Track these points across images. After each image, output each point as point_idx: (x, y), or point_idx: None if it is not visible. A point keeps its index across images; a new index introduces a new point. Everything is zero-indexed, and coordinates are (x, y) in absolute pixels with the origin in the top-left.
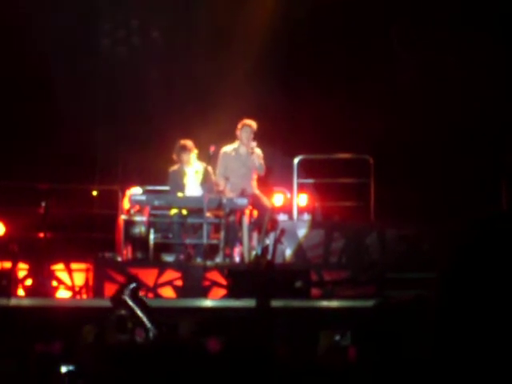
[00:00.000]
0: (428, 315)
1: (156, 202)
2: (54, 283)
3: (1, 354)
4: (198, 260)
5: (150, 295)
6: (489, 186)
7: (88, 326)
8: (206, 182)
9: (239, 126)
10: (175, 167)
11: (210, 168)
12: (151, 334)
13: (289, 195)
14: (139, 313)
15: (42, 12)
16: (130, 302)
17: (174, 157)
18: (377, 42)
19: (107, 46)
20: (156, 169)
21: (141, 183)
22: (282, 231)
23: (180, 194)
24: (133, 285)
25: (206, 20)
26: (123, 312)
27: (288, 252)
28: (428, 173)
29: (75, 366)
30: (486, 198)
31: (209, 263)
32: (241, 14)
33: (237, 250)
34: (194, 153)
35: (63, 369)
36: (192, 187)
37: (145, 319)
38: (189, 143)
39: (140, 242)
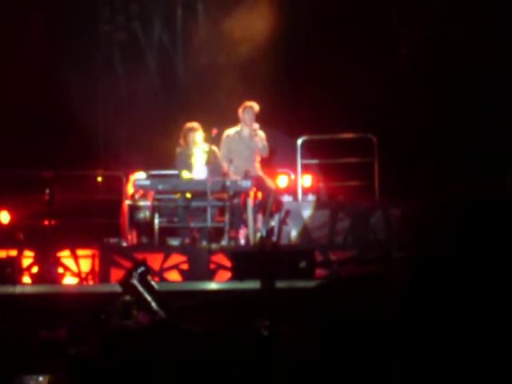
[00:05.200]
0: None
1: (160, 187)
2: (60, 270)
3: (5, 340)
4: (204, 243)
5: (156, 279)
6: (495, 162)
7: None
8: (212, 162)
9: (241, 108)
10: (182, 148)
11: (215, 148)
12: (158, 318)
13: (293, 176)
14: (147, 297)
15: None
16: (139, 287)
17: (181, 141)
18: (377, 19)
19: (106, 32)
20: (159, 153)
21: (144, 168)
22: (287, 212)
23: (186, 175)
24: (141, 269)
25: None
26: (128, 298)
27: (293, 233)
28: (432, 150)
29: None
30: (492, 174)
31: (214, 246)
32: (243, 4)
33: (242, 233)
34: (201, 133)
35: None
36: (199, 167)
37: (153, 303)
38: (195, 124)
39: (145, 227)
